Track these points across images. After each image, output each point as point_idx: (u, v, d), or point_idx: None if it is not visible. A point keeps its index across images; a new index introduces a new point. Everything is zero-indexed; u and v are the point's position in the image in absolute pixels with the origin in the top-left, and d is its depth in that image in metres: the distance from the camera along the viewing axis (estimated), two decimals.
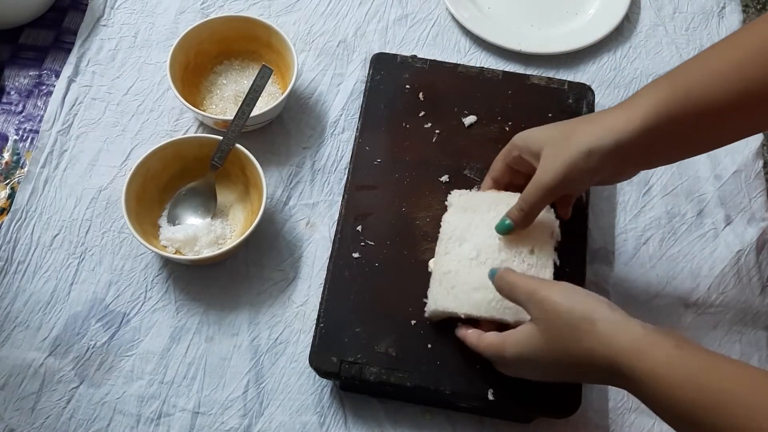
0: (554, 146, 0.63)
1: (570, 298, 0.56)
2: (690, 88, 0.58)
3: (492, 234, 0.67)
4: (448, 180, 0.75)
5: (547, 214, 0.67)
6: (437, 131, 0.78)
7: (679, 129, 0.59)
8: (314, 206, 0.80)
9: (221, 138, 0.75)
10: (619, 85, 0.88)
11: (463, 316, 0.65)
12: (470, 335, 0.64)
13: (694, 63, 0.60)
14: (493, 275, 0.63)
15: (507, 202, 0.68)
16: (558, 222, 0.68)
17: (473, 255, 0.67)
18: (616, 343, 0.52)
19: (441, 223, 0.71)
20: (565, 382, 0.64)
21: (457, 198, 0.71)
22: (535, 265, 0.66)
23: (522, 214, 0.65)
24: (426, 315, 0.68)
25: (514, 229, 0.66)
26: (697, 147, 0.63)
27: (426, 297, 0.68)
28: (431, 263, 0.70)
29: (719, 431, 0.47)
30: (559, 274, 0.70)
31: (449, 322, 0.67)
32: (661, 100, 0.59)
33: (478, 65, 0.83)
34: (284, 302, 0.75)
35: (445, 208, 0.72)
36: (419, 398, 0.69)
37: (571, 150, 0.61)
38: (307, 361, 0.67)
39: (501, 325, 0.64)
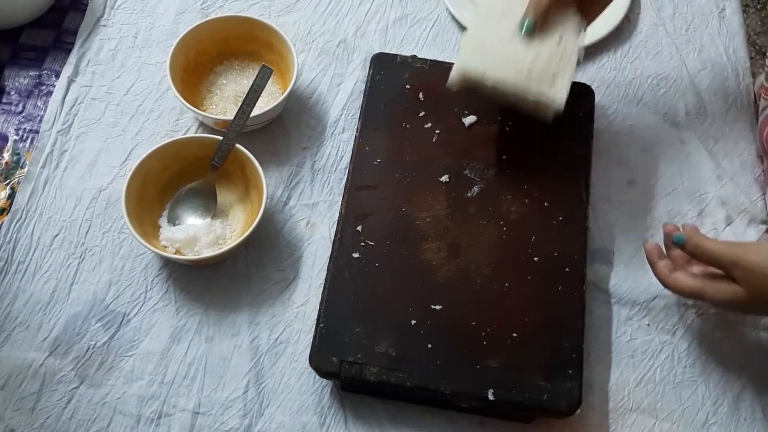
0: None
1: None
2: None
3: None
4: (448, 180, 0.75)
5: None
6: (437, 131, 0.78)
7: None
8: (314, 206, 0.79)
9: (221, 138, 0.75)
10: (619, 85, 0.88)
11: (490, 84, 0.67)
12: (661, 266, 0.68)
13: None
14: (680, 242, 0.66)
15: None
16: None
17: (513, 31, 0.70)
18: None
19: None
20: (566, 381, 0.65)
21: None
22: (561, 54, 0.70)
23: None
24: (450, 81, 0.70)
25: (534, 28, 0.70)
26: None
27: (427, 297, 0.68)
28: (464, 38, 0.71)
29: None
30: (559, 274, 0.70)
31: (450, 322, 0.67)
32: None
33: None
34: (284, 302, 0.75)
35: (445, 208, 0.72)
36: (419, 398, 0.69)
37: None
38: (307, 362, 0.67)
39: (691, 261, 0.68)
